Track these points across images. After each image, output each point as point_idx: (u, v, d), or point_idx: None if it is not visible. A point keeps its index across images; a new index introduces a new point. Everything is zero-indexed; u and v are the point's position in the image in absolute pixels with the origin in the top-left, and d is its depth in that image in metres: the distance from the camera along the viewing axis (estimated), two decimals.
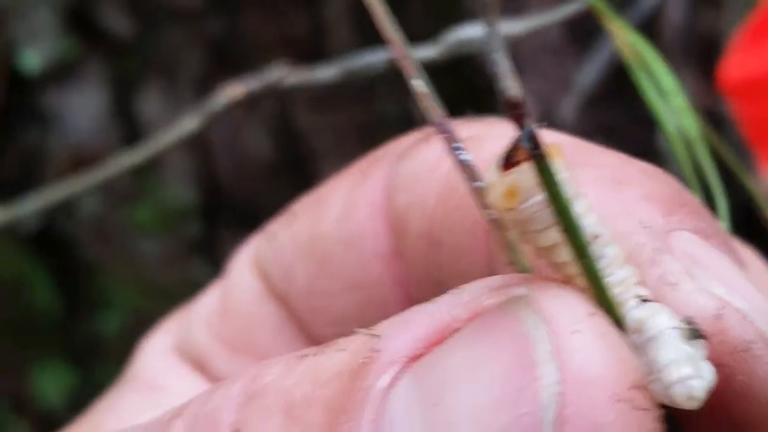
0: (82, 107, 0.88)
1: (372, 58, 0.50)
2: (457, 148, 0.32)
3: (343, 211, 0.40)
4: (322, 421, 0.29)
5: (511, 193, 0.29)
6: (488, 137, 0.36)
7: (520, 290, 0.29)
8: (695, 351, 0.28)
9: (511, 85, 0.28)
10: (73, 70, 0.88)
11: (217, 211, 0.90)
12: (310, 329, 0.42)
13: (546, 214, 0.28)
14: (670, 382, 0.27)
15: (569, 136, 0.38)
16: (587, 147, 0.36)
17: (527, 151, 0.28)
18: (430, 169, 0.38)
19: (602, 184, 0.32)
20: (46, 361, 0.93)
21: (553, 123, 0.81)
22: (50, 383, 0.93)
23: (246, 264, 0.44)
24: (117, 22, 0.87)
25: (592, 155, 0.35)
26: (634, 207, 0.32)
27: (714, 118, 0.87)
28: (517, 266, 0.31)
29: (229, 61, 0.87)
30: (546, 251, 0.29)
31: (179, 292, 0.92)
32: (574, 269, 0.29)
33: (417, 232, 0.37)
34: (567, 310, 0.28)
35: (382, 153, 0.40)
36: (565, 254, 0.29)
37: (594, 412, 0.27)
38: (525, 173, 0.28)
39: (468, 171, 0.31)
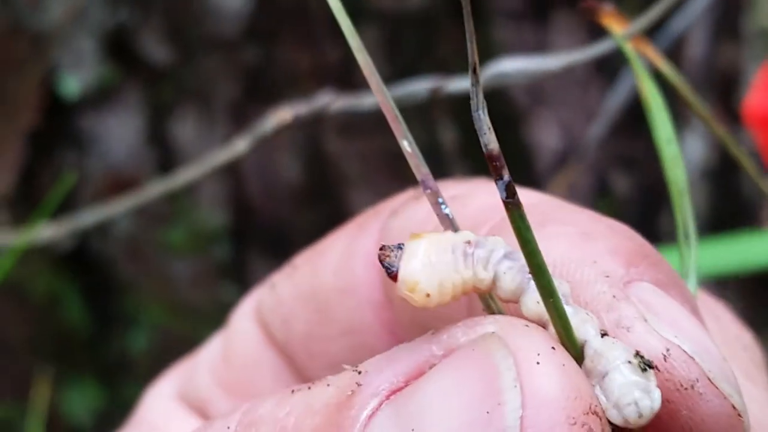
0: (119, 132, 0.90)
1: (415, 87, 0.52)
2: (441, 203, 0.35)
3: (341, 262, 0.43)
4: None
5: (412, 288, 0.33)
6: (472, 195, 0.40)
7: (490, 328, 0.33)
8: (646, 379, 0.31)
9: (490, 140, 0.31)
10: (111, 95, 0.90)
11: (247, 234, 0.91)
12: (307, 374, 0.45)
13: (448, 271, 0.33)
14: (625, 403, 0.31)
15: (543, 193, 0.40)
16: (562, 205, 0.39)
17: (390, 251, 0.33)
18: (418, 225, 0.40)
19: (572, 237, 0.35)
20: (76, 377, 0.94)
21: (576, 152, 0.84)
22: (79, 400, 0.94)
23: (247, 314, 0.47)
24: (155, 50, 0.89)
25: (565, 213, 0.38)
26: (598, 259, 0.35)
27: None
28: (490, 310, 0.35)
29: (263, 90, 0.89)
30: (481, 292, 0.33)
31: (208, 312, 0.93)
32: (523, 309, 0.33)
33: None
34: (531, 344, 0.31)
35: (378, 209, 0.44)
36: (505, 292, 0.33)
37: None
38: (407, 268, 0.33)
39: (449, 224, 0.35)
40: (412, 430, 0.31)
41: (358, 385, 0.33)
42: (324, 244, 0.44)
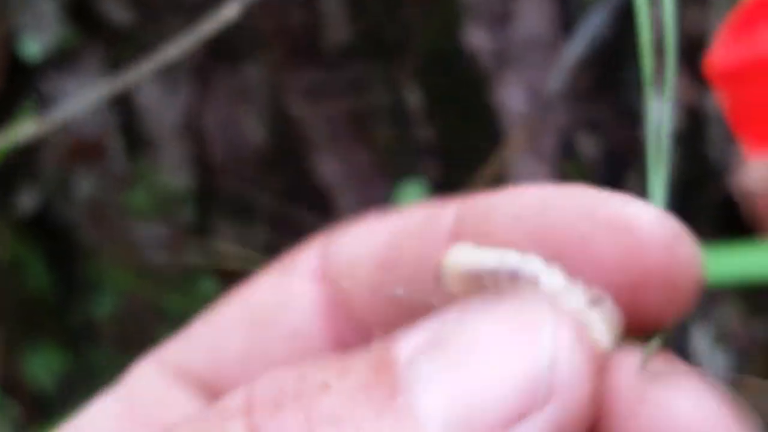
0: (81, 94, 0.90)
1: None
2: None
3: (277, 283, 0.42)
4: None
5: (466, 281, 0.34)
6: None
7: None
8: (599, 310, 0.34)
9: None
10: (72, 57, 0.89)
11: (211, 196, 0.91)
12: None
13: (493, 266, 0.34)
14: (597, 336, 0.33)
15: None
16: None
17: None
18: (370, 231, 0.40)
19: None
20: (39, 343, 0.94)
21: (542, 106, 0.84)
22: (42, 366, 0.94)
23: (146, 369, 0.44)
24: (117, 11, 0.89)
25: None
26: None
27: (700, 115, 0.89)
28: None
29: (226, 52, 0.89)
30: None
31: (172, 276, 0.93)
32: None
33: (368, 268, 0.40)
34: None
35: (308, 243, 0.43)
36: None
37: None
38: (454, 264, 0.34)
39: None
40: (448, 348, 0.31)
41: (388, 348, 0.32)
42: (249, 284, 0.44)
